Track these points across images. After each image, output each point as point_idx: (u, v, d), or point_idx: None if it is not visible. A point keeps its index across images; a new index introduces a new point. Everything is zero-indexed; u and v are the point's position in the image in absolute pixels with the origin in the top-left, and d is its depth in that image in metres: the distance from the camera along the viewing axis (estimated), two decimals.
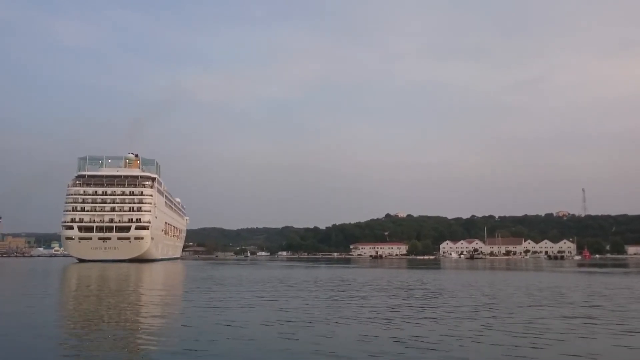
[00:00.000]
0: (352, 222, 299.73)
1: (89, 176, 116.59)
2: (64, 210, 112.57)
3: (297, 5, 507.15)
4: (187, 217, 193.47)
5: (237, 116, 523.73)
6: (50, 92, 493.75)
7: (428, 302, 23.87)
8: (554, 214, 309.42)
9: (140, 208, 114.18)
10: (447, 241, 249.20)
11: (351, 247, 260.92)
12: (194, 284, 37.79)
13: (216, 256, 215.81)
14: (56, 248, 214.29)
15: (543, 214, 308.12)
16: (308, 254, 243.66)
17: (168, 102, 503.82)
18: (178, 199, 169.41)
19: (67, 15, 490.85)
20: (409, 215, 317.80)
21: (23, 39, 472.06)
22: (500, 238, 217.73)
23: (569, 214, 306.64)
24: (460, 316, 18.53)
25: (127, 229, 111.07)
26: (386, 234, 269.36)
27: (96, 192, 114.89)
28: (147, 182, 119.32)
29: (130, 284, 38.35)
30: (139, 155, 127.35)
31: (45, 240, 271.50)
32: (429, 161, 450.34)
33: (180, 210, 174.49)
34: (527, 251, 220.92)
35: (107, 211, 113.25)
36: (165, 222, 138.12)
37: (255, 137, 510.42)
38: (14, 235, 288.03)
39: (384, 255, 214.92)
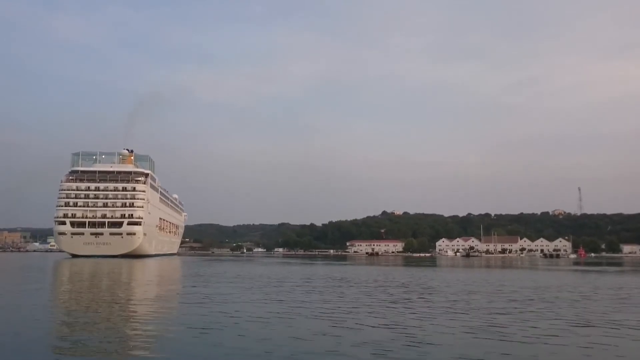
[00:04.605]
0: (349, 219, 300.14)
1: (82, 172, 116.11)
2: (57, 206, 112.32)
3: (298, 4, 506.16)
4: (185, 214, 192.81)
5: (237, 114, 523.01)
6: (48, 87, 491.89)
7: (410, 307, 23.26)
8: (550, 213, 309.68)
9: (133, 204, 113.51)
10: (444, 239, 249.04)
11: (347, 244, 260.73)
12: (179, 281, 37.23)
13: (212, 252, 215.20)
14: (52, 243, 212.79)
15: (539, 213, 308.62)
16: (304, 251, 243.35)
17: (168, 99, 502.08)
18: (175, 195, 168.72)
19: (65, 11, 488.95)
20: (405, 213, 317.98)
21: (21, 34, 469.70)
22: (496, 236, 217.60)
23: (564, 212, 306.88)
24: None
25: (120, 224, 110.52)
26: (382, 231, 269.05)
27: (89, 187, 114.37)
28: (140, 178, 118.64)
29: (117, 280, 37.71)
30: (133, 151, 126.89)
31: (41, 235, 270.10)
32: (427, 160, 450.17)
33: (177, 206, 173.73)
34: (522, 249, 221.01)
35: (100, 207, 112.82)
36: (160, 218, 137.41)
37: (255, 135, 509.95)
38: (10, 230, 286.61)
39: (380, 253, 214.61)
